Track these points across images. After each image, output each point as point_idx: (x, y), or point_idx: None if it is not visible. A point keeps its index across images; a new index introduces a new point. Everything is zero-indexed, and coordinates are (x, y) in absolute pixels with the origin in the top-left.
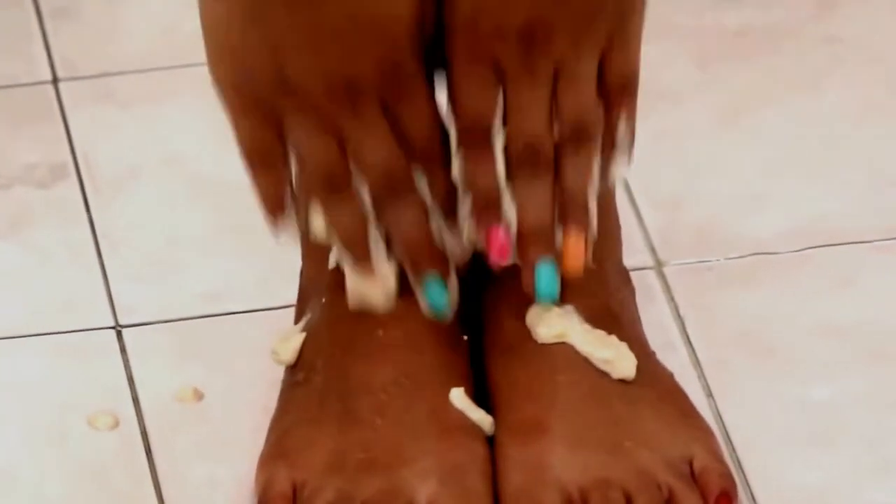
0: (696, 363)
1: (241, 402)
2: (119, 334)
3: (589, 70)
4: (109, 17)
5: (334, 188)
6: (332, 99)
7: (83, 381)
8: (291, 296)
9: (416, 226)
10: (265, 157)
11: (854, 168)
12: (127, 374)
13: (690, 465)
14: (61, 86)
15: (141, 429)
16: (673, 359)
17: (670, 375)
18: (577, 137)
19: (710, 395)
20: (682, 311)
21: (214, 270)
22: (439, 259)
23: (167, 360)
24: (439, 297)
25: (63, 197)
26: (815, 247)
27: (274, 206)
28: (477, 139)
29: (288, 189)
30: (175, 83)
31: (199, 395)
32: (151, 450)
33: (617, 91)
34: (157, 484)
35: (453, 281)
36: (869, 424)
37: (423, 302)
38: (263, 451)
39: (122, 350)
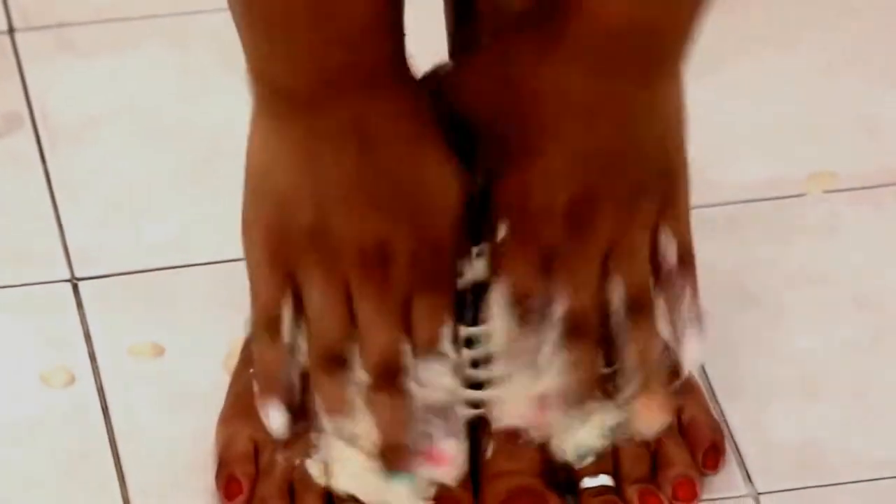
0: None
1: (202, 357)
2: (75, 287)
3: (641, 243)
4: None
5: (332, 365)
6: (360, 263)
7: (38, 336)
8: None
9: (395, 422)
10: (274, 325)
11: (831, 119)
12: (83, 328)
13: (678, 417)
14: (17, 36)
15: (97, 385)
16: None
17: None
18: (636, 310)
19: None
20: None
21: (174, 222)
22: (409, 459)
23: (125, 314)
24: (406, 491)
25: (17, 147)
26: (794, 195)
27: (269, 384)
28: (529, 317)
29: (285, 372)
30: (135, 34)
31: (157, 351)
32: (108, 407)
33: (674, 267)
34: (113, 442)
35: (422, 477)
36: (853, 373)
37: (391, 491)
38: (224, 408)
39: (79, 304)
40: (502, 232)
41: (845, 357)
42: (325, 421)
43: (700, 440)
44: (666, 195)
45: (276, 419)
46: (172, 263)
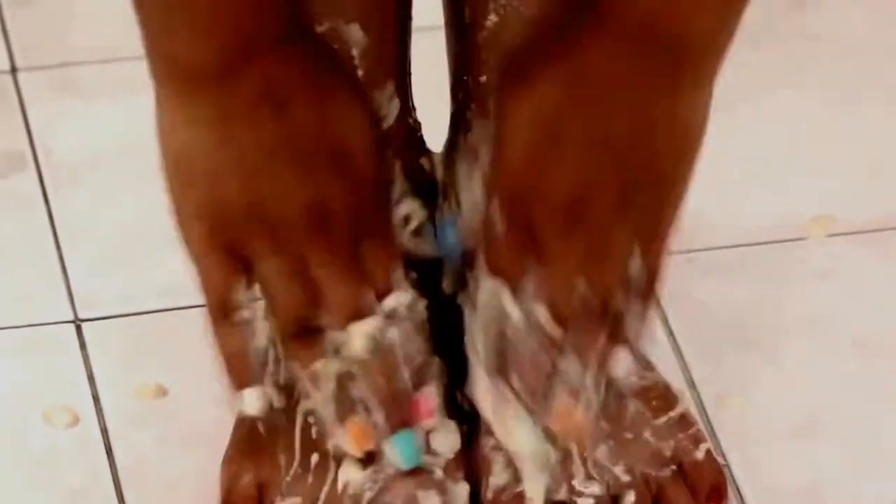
0: (679, 354)
1: (205, 398)
2: (79, 328)
3: (621, 253)
4: (69, 4)
5: (306, 335)
6: (304, 229)
7: (41, 377)
8: None
9: (386, 375)
10: (230, 309)
11: (835, 161)
12: (87, 369)
13: (680, 460)
14: (20, 76)
15: (101, 426)
16: (655, 350)
17: (655, 369)
18: (596, 316)
19: (692, 386)
20: (664, 303)
21: (177, 263)
22: (409, 408)
23: (128, 355)
24: (408, 450)
25: (21, 188)
26: (796, 239)
27: (238, 371)
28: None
29: (252, 352)
30: (137, 73)
31: (161, 391)
32: (112, 448)
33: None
34: (117, 483)
35: (420, 435)
36: (853, 416)
37: (392, 453)
38: (228, 448)
39: (82, 345)
40: (494, 211)
41: (846, 400)
42: (313, 392)
43: (702, 483)
44: (656, 204)
45: (252, 406)
46: (176, 304)
